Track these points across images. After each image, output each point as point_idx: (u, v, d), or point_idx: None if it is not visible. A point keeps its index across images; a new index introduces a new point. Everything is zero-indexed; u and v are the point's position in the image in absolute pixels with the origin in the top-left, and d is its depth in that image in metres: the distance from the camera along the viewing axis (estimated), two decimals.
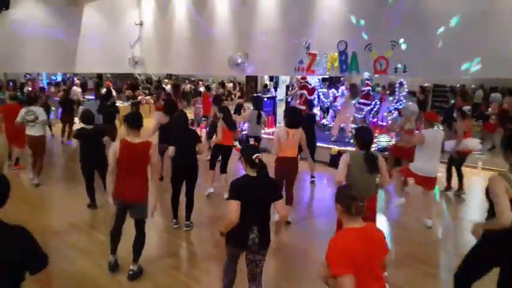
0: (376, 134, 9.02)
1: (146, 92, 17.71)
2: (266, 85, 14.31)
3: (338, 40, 8.08)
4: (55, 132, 11.44)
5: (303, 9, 8.67)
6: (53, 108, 12.90)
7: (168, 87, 15.47)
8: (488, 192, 2.81)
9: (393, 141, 8.35)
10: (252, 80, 17.68)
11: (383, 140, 9.01)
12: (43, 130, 6.92)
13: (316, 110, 10.52)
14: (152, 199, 3.88)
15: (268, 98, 12.05)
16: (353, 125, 10.39)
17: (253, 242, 2.95)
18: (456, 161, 6.65)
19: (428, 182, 5.30)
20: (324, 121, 11.42)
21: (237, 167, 7.42)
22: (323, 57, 8.39)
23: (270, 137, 9.07)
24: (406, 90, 10.09)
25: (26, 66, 13.70)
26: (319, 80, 11.38)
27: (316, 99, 10.87)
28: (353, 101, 9.95)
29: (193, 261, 4.60)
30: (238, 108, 8.40)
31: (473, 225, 2.99)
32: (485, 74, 6.78)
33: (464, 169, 6.80)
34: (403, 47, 7.23)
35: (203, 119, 10.86)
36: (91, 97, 14.45)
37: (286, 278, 4.10)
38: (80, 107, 12.12)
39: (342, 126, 10.22)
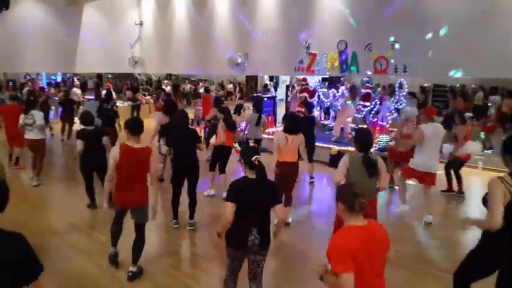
0: (376, 134, 9.02)
1: (146, 93, 17.71)
2: (266, 85, 14.33)
3: (338, 40, 8.08)
4: (55, 132, 11.44)
5: (303, 9, 8.68)
6: (52, 107, 12.92)
7: (168, 88, 15.50)
8: (485, 200, 2.82)
9: (393, 142, 8.34)
10: (252, 80, 17.70)
11: (383, 140, 9.01)
12: (42, 133, 6.90)
13: (316, 110, 10.52)
14: (152, 201, 3.88)
15: (268, 98, 12.05)
16: (353, 125, 10.40)
17: (252, 243, 2.95)
18: (454, 164, 6.66)
19: (427, 178, 5.31)
20: (324, 121, 11.42)
21: (236, 168, 7.42)
22: (323, 57, 8.39)
23: (270, 137, 9.07)
24: (406, 90, 10.09)
25: (26, 66, 13.69)
26: (319, 80, 11.38)
27: (316, 99, 10.86)
28: (352, 104, 9.96)
29: (193, 261, 4.60)
30: (238, 109, 8.40)
31: (465, 217, 3.01)
32: (485, 74, 6.78)
33: (464, 169, 6.79)
34: (398, 46, 7.24)
35: (202, 120, 10.86)
36: (91, 97, 14.45)
37: (286, 278, 4.10)
38: (80, 107, 12.13)
39: (342, 126, 10.22)
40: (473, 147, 6.54)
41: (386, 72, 7.58)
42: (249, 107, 11.38)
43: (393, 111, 9.80)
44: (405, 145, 5.82)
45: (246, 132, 7.92)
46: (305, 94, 10.39)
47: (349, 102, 9.96)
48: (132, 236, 3.98)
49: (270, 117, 11.01)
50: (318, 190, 7.27)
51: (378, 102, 10.39)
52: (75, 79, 19.70)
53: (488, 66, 6.41)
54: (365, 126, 10.18)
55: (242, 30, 9.87)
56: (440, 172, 6.08)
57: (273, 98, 12.59)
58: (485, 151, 9.14)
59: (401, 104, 9.45)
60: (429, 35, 6.94)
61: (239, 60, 9.74)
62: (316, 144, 7.64)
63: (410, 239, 5.08)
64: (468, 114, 7.46)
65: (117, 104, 9.93)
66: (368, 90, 10.21)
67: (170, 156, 7.01)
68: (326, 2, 8.39)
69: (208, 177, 6.50)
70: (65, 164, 9.09)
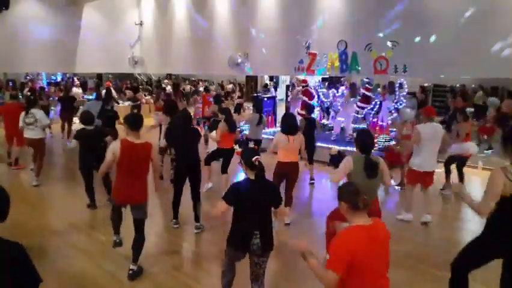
0: (376, 134, 9.02)
1: (146, 93, 17.72)
2: (266, 85, 14.32)
3: (338, 40, 8.08)
4: (55, 132, 11.45)
5: (303, 9, 8.67)
6: (52, 108, 12.91)
7: (168, 88, 15.50)
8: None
9: (393, 142, 8.35)
10: (252, 80, 17.70)
11: (383, 140, 9.02)
12: (42, 133, 6.90)
13: (316, 110, 10.51)
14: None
15: (268, 98, 12.05)
16: (353, 125, 10.40)
17: (257, 247, 2.96)
18: (458, 162, 6.64)
19: (426, 178, 5.32)
20: (324, 121, 11.42)
21: (237, 168, 7.42)
22: (323, 57, 8.39)
23: (270, 137, 9.07)
24: (406, 90, 10.09)
25: (26, 66, 13.69)
26: (319, 80, 11.38)
27: (316, 99, 10.85)
28: (352, 100, 9.96)
29: (194, 261, 4.60)
30: (238, 108, 8.40)
31: (463, 191, 3.14)
32: (485, 74, 6.76)
33: (464, 169, 6.79)
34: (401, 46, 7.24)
35: (202, 119, 10.87)
36: (91, 97, 14.46)
37: (286, 278, 4.10)
38: (81, 107, 12.13)
39: (342, 126, 10.22)
40: (472, 147, 6.55)
41: (386, 72, 7.58)
42: (249, 107, 11.38)
43: (393, 111, 9.81)
44: (406, 147, 5.83)
45: (246, 132, 7.95)
46: (304, 98, 10.40)
47: (352, 99, 9.96)
48: (133, 234, 3.98)
49: (270, 117, 11.02)
50: (318, 190, 7.27)
51: (378, 103, 10.41)
52: (75, 79, 19.70)
53: (488, 66, 6.40)
54: (365, 126, 10.19)
55: (242, 30, 9.86)
56: (440, 171, 6.09)
57: (273, 98, 12.60)
58: (485, 151, 9.14)
59: (401, 104, 9.46)
60: (429, 35, 6.93)
61: (239, 60, 9.73)
62: (317, 144, 7.65)
63: (410, 239, 5.08)
64: (469, 110, 7.45)
65: (116, 104, 9.93)
66: (368, 93, 10.22)
67: (171, 156, 7.04)
68: (326, 2, 8.39)
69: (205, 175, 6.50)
70: (65, 164, 9.09)
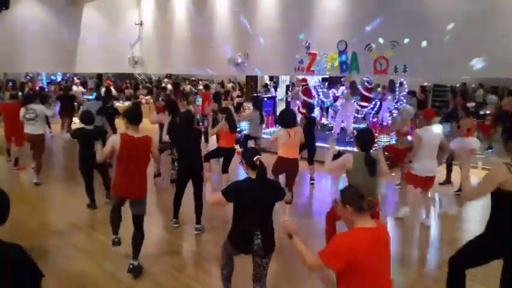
0: (376, 134, 9.02)
1: (146, 91, 17.70)
2: (266, 85, 14.31)
3: (338, 40, 8.08)
4: (54, 132, 11.45)
5: (303, 9, 8.67)
6: (52, 106, 12.91)
7: (169, 87, 15.48)
8: (491, 192, 2.85)
9: (393, 141, 8.35)
10: (252, 80, 17.67)
11: (383, 140, 9.01)
12: (42, 129, 6.92)
13: (316, 110, 10.51)
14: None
15: (268, 98, 12.04)
16: (354, 125, 10.39)
17: (258, 247, 2.96)
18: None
19: (426, 182, 5.30)
20: (324, 120, 11.42)
21: (237, 168, 7.42)
22: (323, 57, 8.39)
23: (270, 137, 9.06)
24: (406, 90, 10.09)
25: (26, 66, 13.71)
26: (319, 80, 11.38)
27: (317, 99, 10.86)
28: (353, 100, 9.95)
29: (194, 261, 4.60)
30: (238, 108, 8.41)
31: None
32: (485, 74, 6.77)
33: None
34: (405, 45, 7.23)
35: (202, 117, 10.87)
36: (91, 97, 14.46)
37: (286, 278, 4.10)
38: (81, 107, 12.13)
39: (343, 126, 10.21)
40: (474, 141, 6.54)
41: (386, 72, 7.58)
42: (249, 107, 11.38)
43: (393, 111, 9.81)
44: (403, 144, 5.85)
45: (246, 132, 7.95)
46: (304, 97, 10.39)
47: (352, 99, 9.96)
48: (131, 233, 3.99)
49: (270, 117, 11.02)
50: (318, 190, 7.27)
51: (378, 102, 10.40)
52: (75, 78, 19.71)
53: (488, 66, 6.40)
54: (365, 126, 10.18)
55: (242, 30, 9.87)
56: (441, 168, 6.08)
57: (273, 98, 12.59)
58: (486, 151, 9.14)
59: (401, 104, 9.46)
60: (429, 35, 6.94)
61: (239, 60, 9.73)
62: (316, 144, 7.65)
63: (410, 239, 5.08)
64: (471, 105, 7.44)
65: (117, 104, 9.94)
66: (367, 94, 10.22)
67: (171, 156, 7.04)
68: (326, 2, 8.39)
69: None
70: (65, 164, 9.09)
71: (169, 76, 20.78)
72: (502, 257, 2.88)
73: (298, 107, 10.42)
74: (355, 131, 8.54)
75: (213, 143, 6.92)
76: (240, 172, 7.15)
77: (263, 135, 8.10)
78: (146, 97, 16.08)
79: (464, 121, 6.47)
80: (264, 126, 7.75)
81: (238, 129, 7.39)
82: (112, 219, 4.17)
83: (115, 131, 7.88)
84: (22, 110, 6.79)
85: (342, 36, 8.05)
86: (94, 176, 5.82)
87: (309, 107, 7.74)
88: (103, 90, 10.89)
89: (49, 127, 10.75)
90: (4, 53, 12.11)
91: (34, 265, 1.96)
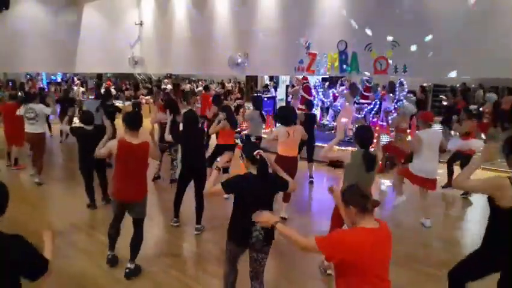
0: (376, 134, 9.02)
1: (145, 91, 17.71)
2: (266, 85, 14.31)
3: (338, 40, 8.08)
4: (54, 134, 11.45)
5: (303, 9, 8.67)
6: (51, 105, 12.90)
7: (169, 87, 15.49)
8: (490, 199, 2.81)
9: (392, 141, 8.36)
10: (252, 80, 17.67)
11: (383, 140, 9.01)
12: (42, 128, 6.93)
13: (316, 110, 10.51)
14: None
15: (268, 98, 12.04)
16: (354, 125, 10.39)
17: (256, 239, 2.93)
18: (461, 159, 6.62)
19: (428, 184, 5.29)
20: (324, 120, 11.41)
21: (238, 167, 7.42)
22: (323, 57, 8.39)
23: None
24: (406, 89, 10.08)
25: (26, 66, 13.71)
26: (319, 80, 11.38)
27: (316, 98, 10.85)
28: (353, 100, 9.95)
29: (194, 260, 4.60)
30: (238, 109, 8.40)
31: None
32: (485, 74, 6.78)
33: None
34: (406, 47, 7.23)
35: (201, 118, 10.87)
36: (91, 96, 14.47)
37: (286, 277, 4.10)
38: (81, 107, 12.14)
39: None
40: (475, 143, 6.53)
41: (386, 72, 7.58)
42: (249, 107, 11.38)
43: (392, 111, 9.81)
44: (402, 140, 5.85)
45: (246, 132, 7.95)
46: (304, 94, 10.38)
47: (348, 103, 9.96)
48: (132, 233, 3.99)
49: (270, 117, 11.01)
50: (318, 189, 7.27)
51: (379, 102, 10.39)
52: (75, 78, 19.72)
53: (488, 66, 6.40)
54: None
55: (242, 30, 9.87)
56: (441, 171, 6.08)
57: (273, 98, 12.59)
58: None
59: (401, 104, 9.45)
60: (429, 35, 6.94)
61: (239, 60, 9.73)
62: (316, 144, 7.65)
63: (410, 239, 5.08)
64: (473, 107, 7.43)
65: (117, 104, 9.93)
66: (367, 94, 10.21)
67: (171, 156, 7.04)
68: (326, 2, 8.39)
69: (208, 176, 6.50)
70: (65, 164, 9.09)
71: (169, 76, 20.79)
72: (500, 269, 2.85)
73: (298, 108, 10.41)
74: (354, 128, 8.54)
75: (213, 143, 6.90)
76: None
77: (263, 136, 8.08)
78: (146, 97, 16.10)
79: (465, 123, 6.47)
80: (264, 125, 7.73)
81: (238, 130, 7.38)
82: (110, 235, 4.12)
83: (114, 131, 7.88)
84: (22, 108, 6.80)
85: (342, 36, 8.05)
86: (94, 176, 5.82)
87: (309, 104, 7.74)
88: (102, 91, 10.88)
89: (50, 130, 10.74)
90: (4, 53, 12.11)
91: (38, 254, 1.97)
